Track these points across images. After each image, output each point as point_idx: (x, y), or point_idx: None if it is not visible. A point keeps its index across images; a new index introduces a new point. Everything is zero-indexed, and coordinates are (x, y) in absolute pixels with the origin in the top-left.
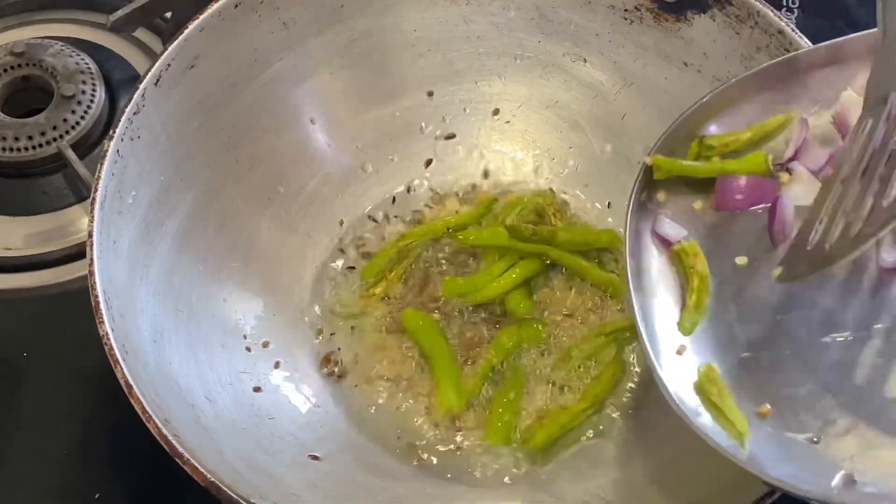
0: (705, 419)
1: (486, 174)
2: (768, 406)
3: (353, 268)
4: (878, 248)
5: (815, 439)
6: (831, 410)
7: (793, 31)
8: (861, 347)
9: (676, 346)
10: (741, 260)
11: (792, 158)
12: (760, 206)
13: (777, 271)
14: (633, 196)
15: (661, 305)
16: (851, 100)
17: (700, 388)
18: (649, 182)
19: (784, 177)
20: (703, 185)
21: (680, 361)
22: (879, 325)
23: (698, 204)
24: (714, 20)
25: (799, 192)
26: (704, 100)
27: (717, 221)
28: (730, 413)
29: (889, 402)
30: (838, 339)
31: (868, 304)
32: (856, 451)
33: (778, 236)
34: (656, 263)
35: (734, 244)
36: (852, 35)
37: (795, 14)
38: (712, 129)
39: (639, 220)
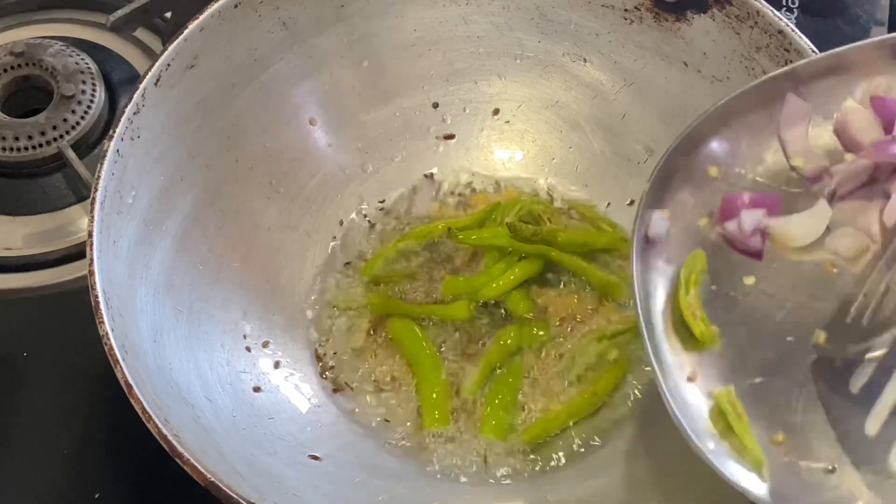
0: (720, 451)
1: (486, 174)
2: (783, 434)
3: (352, 268)
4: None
5: (831, 468)
6: (847, 438)
7: (793, 31)
8: (872, 371)
9: (688, 373)
10: (749, 280)
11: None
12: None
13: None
14: (636, 223)
15: (669, 333)
16: (853, 110)
17: (719, 412)
18: (652, 204)
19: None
20: (707, 202)
21: (691, 389)
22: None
23: (703, 221)
24: (714, 20)
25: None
26: (704, 115)
27: (722, 240)
28: (747, 440)
29: None
30: (852, 363)
31: (882, 328)
32: (874, 481)
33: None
34: (662, 290)
35: (742, 263)
36: (852, 45)
37: (795, 14)
38: (714, 144)
39: (644, 247)
